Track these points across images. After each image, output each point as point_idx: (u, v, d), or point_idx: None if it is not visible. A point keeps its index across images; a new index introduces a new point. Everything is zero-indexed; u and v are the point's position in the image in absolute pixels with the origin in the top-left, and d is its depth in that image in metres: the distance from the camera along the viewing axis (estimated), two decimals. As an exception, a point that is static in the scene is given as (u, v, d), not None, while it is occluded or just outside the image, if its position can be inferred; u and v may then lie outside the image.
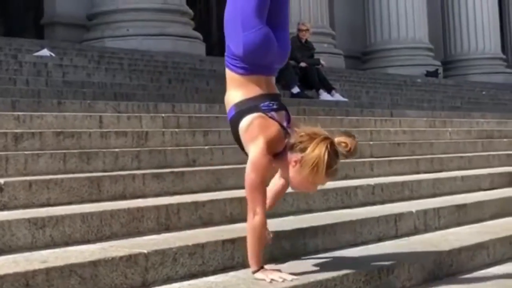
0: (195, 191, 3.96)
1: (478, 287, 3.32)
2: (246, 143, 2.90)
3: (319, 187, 2.97)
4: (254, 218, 2.81)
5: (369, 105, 9.11)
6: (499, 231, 4.15)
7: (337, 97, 9.34)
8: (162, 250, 2.84)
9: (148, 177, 3.82)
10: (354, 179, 4.92)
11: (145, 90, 7.06)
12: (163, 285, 2.78)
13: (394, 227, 3.97)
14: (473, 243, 3.78)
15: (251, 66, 2.92)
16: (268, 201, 3.11)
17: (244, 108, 2.90)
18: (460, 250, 3.64)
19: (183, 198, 3.63)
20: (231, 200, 3.68)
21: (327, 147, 2.75)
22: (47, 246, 2.88)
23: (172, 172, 4.00)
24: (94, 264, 2.61)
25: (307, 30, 9.80)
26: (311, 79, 9.46)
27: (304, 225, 3.50)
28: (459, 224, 4.40)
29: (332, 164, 2.77)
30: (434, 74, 16.13)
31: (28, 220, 2.90)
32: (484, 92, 14.16)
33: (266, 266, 2.88)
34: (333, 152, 2.78)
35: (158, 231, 3.27)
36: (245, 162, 4.52)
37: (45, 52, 8.33)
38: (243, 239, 2.98)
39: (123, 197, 3.63)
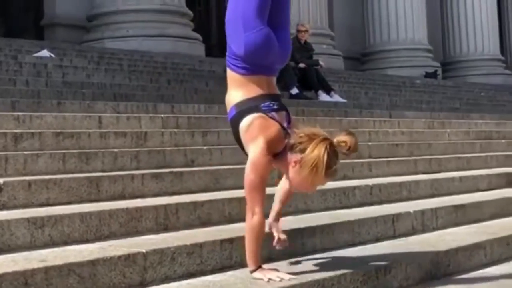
0: (193, 191, 3.98)
1: (475, 287, 3.33)
2: (246, 143, 2.91)
3: (318, 187, 2.98)
4: (252, 218, 2.82)
5: (368, 106, 9.13)
6: (496, 232, 4.17)
7: (336, 98, 9.36)
8: (160, 250, 2.86)
9: (147, 177, 3.84)
10: (352, 179, 4.94)
11: (145, 91, 7.08)
12: (161, 284, 2.80)
13: (392, 227, 3.99)
14: (471, 243, 3.80)
15: (252, 66, 2.94)
16: (276, 206, 3.13)
17: (245, 108, 2.92)
18: (457, 250, 3.66)
19: (182, 198, 3.65)
20: (230, 200, 3.70)
21: (326, 147, 2.77)
22: (46, 246, 2.90)
23: (171, 172, 4.02)
24: (93, 263, 2.63)
25: (306, 31, 9.82)
26: (310, 80, 9.48)
27: (302, 225, 3.52)
28: (457, 224, 4.42)
29: (332, 164, 2.79)
30: (433, 75, 16.14)
31: (27, 219, 2.92)
32: (482, 93, 14.18)
33: (264, 266, 2.90)
34: (333, 153, 2.79)
35: (156, 231, 3.29)
36: (243, 163, 4.54)
37: (45, 53, 8.35)
38: (241, 239, 3.00)
39: (122, 197, 3.65)
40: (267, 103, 2.92)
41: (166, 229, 3.34)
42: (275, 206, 3.19)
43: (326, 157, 2.76)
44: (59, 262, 2.58)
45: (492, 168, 6.51)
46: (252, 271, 2.86)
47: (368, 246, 3.68)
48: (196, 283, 2.84)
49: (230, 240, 3.11)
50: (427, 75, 16.06)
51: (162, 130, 5.02)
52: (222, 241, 3.09)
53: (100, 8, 11.43)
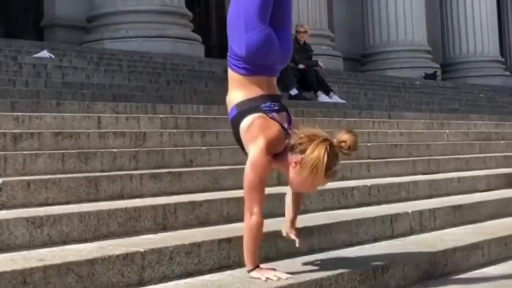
0: (192, 191, 3.99)
1: (472, 287, 3.34)
2: (247, 143, 2.92)
3: (318, 188, 2.99)
4: (251, 218, 2.83)
5: (367, 107, 9.14)
6: (494, 232, 4.18)
7: (335, 99, 9.37)
8: (158, 249, 2.87)
9: (146, 177, 3.85)
10: (351, 180, 4.95)
11: (144, 91, 7.09)
12: (159, 283, 2.81)
13: (390, 227, 4.00)
14: (468, 243, 3.81)
15: (253, 67, 2.95)
16: (288, 216, 3.14)
17: (245, 108, 2.93)
18: (455, 250, 3.67)
19: (180, 198, 3.66)
20: (228, 200, 3.71)
21: (326, 148, 2.78)
22: (44, 245, 2.91)
23: (169, 172, 4.03)
24: (91, 262, 2.64)
25: (305, 32, 9.84)
26: (309, 81, 9.49)
27: (300, 225, 3.51)
28: (455, 224, 4.43)
29: (332, 165, 2.80)
30: (433, 76, 16.17)
31: (26, 219, 2.93)
32: (482, 95, 14.20)
33: (262, 265, 2.90)
34: (333, 154, 2.80)
35: (155, 231, 3.30)
36: (242, 163, 4.55)
37: (44, 53, 8.36)
38: (239, 239, 3.01)
39: (121, 197, 3.66)
40: (268, 104, 2.93)
41: (164, 228, 3.35)
42: (287, 216, 3.19)
43: (326, 158, 2.77)
44: (57, 261, 2.59)
45: (491, 168, 6.53)
46: (249, 271, 2.87)
47: (366, 246, 3.69)
48: (194, 282, 2.85)
49: (228, 240, 3.13)
50: (427, 76, 16.09)
51: (161, 130, 5.04)
52: (220, 241, 3.10)
53: (100, 9, 11.44)
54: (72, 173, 3.82)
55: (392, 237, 3.95)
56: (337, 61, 15.27)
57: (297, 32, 9.88)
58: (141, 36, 10.93)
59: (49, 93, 6.07)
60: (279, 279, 2.80)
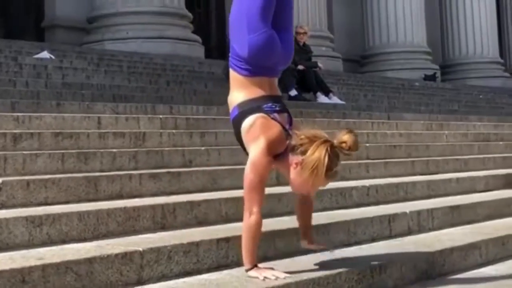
0: (191, 191, 4.00)
1: (469, 287, 3.36)
2: (248, 143, 2.94)
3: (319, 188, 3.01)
4: (250, 218, 2.85)
5: (367, 108, 9.16)
6: (492, 232, 4.19)
7: (335, 100, 9.39)
8: (157, 248, 2.89)
9: (145, 177, 3.87)
10: (349, 180, 4.96)
11: (144, 92, 7.11)
12: (157, 282, 2.82)
13: (388, 227, 4.01)
14: (466, 243, 3.83)
15: (254, 68, 2.96)
16: (301, 228, 3.14)
17: (247, 109, 2.94)
18: (452, 250, 3.68)
19: (179, 198, 3.68)
20: (227, 200, 3.73)
21: (327, 149, 2.79)
22: (44, 244, 2.92)
23: (168, 172, 4.05)
24: (90, 261, 2.66)
25: (305, 33, 9.85)
26: (309, 82, 9.51)
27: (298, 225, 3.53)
28: (452, 225, 4.45)
29: (332, 166, 2.81)
30: (432, 77, 16.19)
31: (26, 218, 2.94)
32: (481, 96, 14.21)
33: (260, 265, 2.92)
34: (333, 155, 2.81)
35: (154, 230, 3.31)
36: (241, 163, 4.56)
37: (45, 54, 8.38)
38: (237, 238, 3.02)
39: (120, 196, 3.68)
40: (269, 104, 2.95)
41: (163, 228, 3.37)
42: (300, 227, 3.19)
43: (326, 159, 2.78)
44: (56, 260, 2.60)
45: (489, 169, 6.54)
46: (247, 270, 2.88)
47: (364, 246, 3.70)
48: (193, 281, 2.86)
49: (227, 239, 3.14)
50: (426, 77, 16.11)
51: (161, 130, 5.05)
52: (219, 240, 3.12)
53: (100, 10, 11.47)
54: (71, 173, 3.84)
55: (390, 237, 3.96)
56: (337, 62, 15.30)
57: (297, 33, 9.90)
58: (141, 37, 10.96)
59: (49, 94, 6.09)
60: (277, 278, 2.82)
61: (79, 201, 3.49)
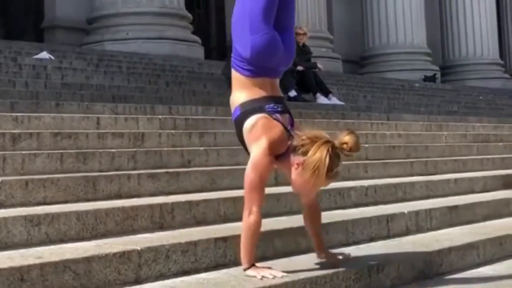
0: (189, 191, 4.01)
1: (466, 287, 3.36)
2: (249, 143, 2.95)
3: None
4: (249, 217, 2.86)
5: (366, 109, 9.17)
6: (490, 232, 4.20)
7: (334, 100, 9.40)
8: (155, 247, 2.90)
9: (144, 177, 3.88)
10: (348, 180, 4.96)
11: (143, 93, 7.12)
12: (155, 281, 2.83)
13: (386, 227, 4.02)
14: (464, 243, 3.84)
15: (257, 69, 2.98)
16: (313, 239, 3.13)
17: (249, 109, 2.95)
18: (450, 250, 3.69)
19: (178, 198, 3.68)
20: (225, 200, 3.73)
21: (328, 150, 2.80)
22: (42, 243, 2.93)
23: (167, 172, 4.06)
24: (88, 260, 2.67)
25: (304, 34, 9.86)
26: (308, 83, 9.52)
27: (296, 225, 3.54)
28: (451, 225, 4.45)
29: (333, 167, 2.82)
30: (432, 79, 16.20)
31: (24, 217, 2.95)
32: (481, 97, 14.23)
33: (258, 264, 2.93)
34: (335, 155, 2.82)
35: (152, 230, 3.32)
36: (240, 164, 4.59)
37: (44, 55, 8.40)
38: (235, 238, 3.04)
39: (118, 196, 3.69)
40: (271, 105, 2.96)
41: (161, 228, 3.37)
42: (312, 238, 3.17)
43: (328, 160, 2.79)
44: (54, 258, 2.61)
45: (488, 170, 6.55)
46: (245, 269, 2.89)
47: (362, 246, 3.71)
48: (191, 280, 2.87)
49: (224, 239, 3.15)
50: (426, 78, 16.12)
51: (160, 131, 5.06)
52: (217, 240, 3.13)
53: (100, 11, 11.48)
54: (70, 172, 3.85)
55: (388, 237, 3.97)
56: (337, 63, 15.31)
57: (296, 34, 9.89)
58: (141, 38, 10.97)
59: (48, 94, 6.10)
60: (274, 277, 2.83)
61: (77, 200, 3.50)
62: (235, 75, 3.03)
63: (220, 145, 5.01)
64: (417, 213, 4.28)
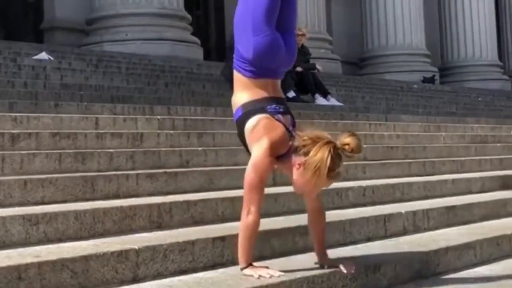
0: (188, 191, 4.03)
1: (463, 286, 3.38)
2: (251, 143, 2.96)
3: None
4: (247, 217, 2.87)
5: (364, 110, 9.18)
6: (487, 232, 4.22)
7: (333, 101, 9.42)
8: (152, 247, 2.91)
9: (142, 177, 3.89)
10: (346, 181, 4.97)
11: (142, 93, 7.13)
12: (153, 280, 2.84)
13: (384, 227, 4.03)
14: (461, 243, 3.85)
15: (259, 70, 2.99)
16: (315, 246, 3.11)
17: (251, 109, 2.97)
18: (447, 249, 3.71)
19: (176, 198, 3.70)
20: (223, 199, 3.75)
21: (330, 150, 2.81)
22: (40, 242, 2.95)
23: (165, 172, 4.07)
24: (86, 258, 2.68)
25: (303, 35, 9.86)
26: (307, 84, 9.53)
27: (294, 224, 3.56)
28: (448, 225, 4.47)
29: (335, 167, 2.83)
30: (431, 80, 16.22)
31: (23, 216, 2.97)
32: (480, 98, 14.24)
33: (255, 264, 2.94)
34: (336, 156, 2.83)
35: (150, 229, 3.33)
36: (238, 164, 4.60)
37: (43, 55, 8.41)
38: (233, 237, 3.05)
39: (117, 196, 3.70)
40: (273, 106, 2.98)
41: (159, 227, 3.39)
42: (313, 243, 3.15)
43: (329, 160, 2.80)
44: (52, 257, 2.63)
45: (486, 171, 6.57)
46: (243, 268, 2.90)
47: (359, 246, 3.73)
48: (188, 279, 2.88)
49: (222, 238, 3.16)
50: (425, 80, 16.14)
51: (158, 131, 5.08)
52: (214, 239, 3.14)
53: (100, 12, 11.49)
54: (69, 172, 3.86)
55: (385, 237, 3.99)
56: (335, 65, 15.33)
57: (295, 35, 9.91)
58: (140, 39, 10.98)
59: (47, 95, 6.11)
60: (271, 276, 2.84)
61: (76, 200, 3.51)
62: (237, 75, 3.05)
63: (219, 146, 5.02)
64: (414, 213, 4.30)
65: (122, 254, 2.79)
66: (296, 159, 2.88)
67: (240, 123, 3.00)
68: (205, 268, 3.04)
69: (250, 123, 2.95)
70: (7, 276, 2.45)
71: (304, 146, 2.85)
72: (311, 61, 10.40)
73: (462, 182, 5.63)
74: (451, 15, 19.34)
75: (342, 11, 17.71)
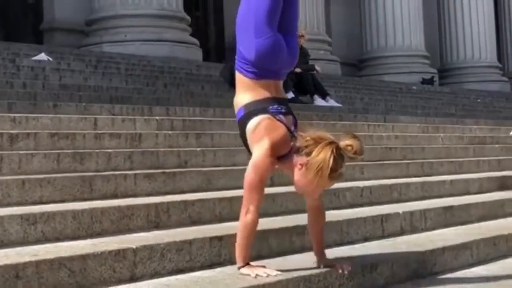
0: (185, 191, 4.04)
1: (459, 286, 3.39)
2: (252, 143, 2.97)
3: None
4: (246, 216, 2.88)
5: (363, 111, 9.20)
6: (484, 232, 4.23)
7: (332, 102, 9.44)
8: (150, 246, 2.92)
9: (140, 177, 3.90)
10: (344, 181, 4.98)
11: (141, 94, 7.14)
12: (150, 279, 2.85)
13: (381, 227, 4.05)
14: (457, 243, 3.86)
15: (260, 71, 3.00)
16: (314, 246, 3.12)
17: (253, 109, 2.98)
18: (444, 249, 3.72)
19: (174, 198, 3.71)
20: (221, 200, 3.76)
21: (332, 151, 2.82)
22: (38, 242, 2.96)
23: (163, 172, 4.08)
24: (83, 257, 2.69)
25: (302, 36, 9.86)
26: (306, 85, 9.55)
27: (291, 224, 3.57)
28: (445, 225, 4.48)
29: (337, 168, 2.83)
30: (430, 81, 16.24)
31: (21, 216, 2.98)
32: (479, 100, 14.26)
33: (252, 263, 2.95)
34: (339, 156, 2.84)
35: (148, 229, 3.34)
36: (236, 164, 4.62)
37: (42, 56, 8.43)
38: (230, 237, 3.06)
39: (115, 196, 3.71)
40: (275, 106, 2.99)
41: (157, 227, 3.40)
42: (312, 242, 3.16)
43: (331, 160, 2.80)
44: (50, 256, 2.64)
45: (484, 172, 6.58)
46: (240, 267, 2.91)
47: (356, 246, 3.74)
48: (185, 278, 2.89)
49: (219, 238, 3.17)
50: (424, 81, 16.16)
51: (157, 132, 5.09)
52: (211, 239, 3.15)
53: (99, 13, 11.52)
54: (67, 172, 3.87)
55: (382, 237, 4.00)
56: (335, 66, 15.36)
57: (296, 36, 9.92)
58: (139, 40, 11.01)
59: (46, 95, 6.13)
60: (268, 275, 2.85)
61: (74, 200, 3.53)
62: (239, 76, 3.06)
63: (217, 146, 5.03)
64: (411, 213, 4.31)
65: (119, 253, 2.80)
66: (298, 160, 2.88)
67: (242, 124, 3.01)
68: (202, 267, 3.05)
69: (252, 123, 2.96)
70: (5, 274, 2.46)
71: (306, 146, 2.86)
72: (310, 62, 10.42)
73: (460, 183, 5.64)
74: (450, 16, 19.37)
75: (341, 12, 17.74)
